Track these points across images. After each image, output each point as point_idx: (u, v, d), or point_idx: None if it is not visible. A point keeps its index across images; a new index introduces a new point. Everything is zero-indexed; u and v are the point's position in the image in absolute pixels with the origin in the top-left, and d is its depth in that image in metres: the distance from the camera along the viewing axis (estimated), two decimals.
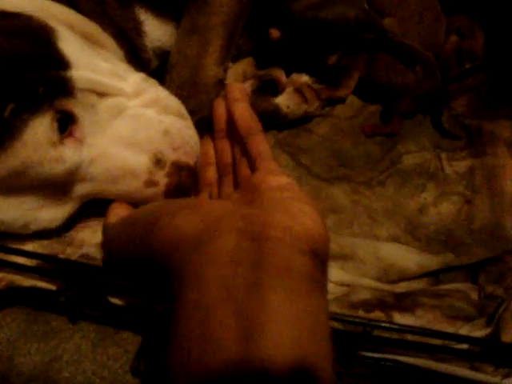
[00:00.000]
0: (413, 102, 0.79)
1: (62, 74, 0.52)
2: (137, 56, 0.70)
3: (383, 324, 0.53)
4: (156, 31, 0.70)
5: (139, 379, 0.60)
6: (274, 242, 0.39)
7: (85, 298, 0.59)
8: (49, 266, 0.56)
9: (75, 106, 0.53)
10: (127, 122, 0.57)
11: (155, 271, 0.44)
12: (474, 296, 0.64)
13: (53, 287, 0.58)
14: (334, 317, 0.53)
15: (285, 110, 0.77)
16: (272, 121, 0.77)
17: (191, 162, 0.61)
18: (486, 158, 0.77)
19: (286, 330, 0.35)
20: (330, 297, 0.60)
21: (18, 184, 0.52)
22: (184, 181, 0.60)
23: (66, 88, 0.52)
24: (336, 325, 0.55)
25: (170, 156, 0.59)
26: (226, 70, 0.75)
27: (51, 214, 0.56)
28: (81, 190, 0.56)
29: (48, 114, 0.50)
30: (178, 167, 0.59)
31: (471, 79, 0.86)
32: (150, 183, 0.58)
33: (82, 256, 0.57)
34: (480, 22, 0.86)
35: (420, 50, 0.80)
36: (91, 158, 0.55)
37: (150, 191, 0.58)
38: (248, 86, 0.79)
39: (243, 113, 0.58)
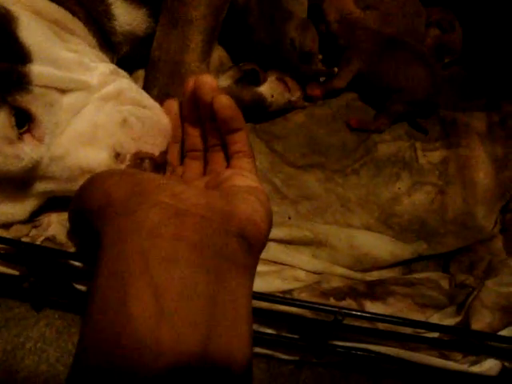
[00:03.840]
0: (408, 106, 0.78)
1: (19, 68, 0.49)
2: (107, 40, 0.68)
3: (354, 312, 0.52)
4: (126, 15, 0.67)
5: None
6: (198, 219, 0.38)
7: (49, 284, 0.57)
8: (11, 249, 0.53)
9: (32, 104, 0.49)
10: (86, 118, 0.55)
11: (91, 234, 0.43)
12: (445, 285, 0.64)
13: (15, 272, 0.56)
14: (304, 305, 0.52)
15: (269, 99, 0.75)
16: (257, 111, 0.76)
17: (155, 151, 0.58)
18: (460, 149, 0.77)
19: (199, 307, 0.35)
20: (300, 284, 0.59)
21: None
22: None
23: (23, 83, 0.49)
24: (306, 313, 0.54)
25: (131, 147, 0.56)
26: (208, 65, 0.73)
27: (12, 208, 0.54)
28: (42, 187, 0.54)
29: (3, 109, 0.47)
30: (140, 159, 0.57)
31: (446, 72, 0.87)
32: None
33: (48, 239, 0.55)
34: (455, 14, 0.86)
35: (428, 56, 0.80)
36: (50, 156, 0.52)
37: None
38: (229, 76, 0.77)
39: (226, 106, 0.52)
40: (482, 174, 0.75)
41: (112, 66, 0.60)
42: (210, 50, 0.72)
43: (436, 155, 0.76)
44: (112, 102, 0.57)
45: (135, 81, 0.74)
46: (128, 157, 0.56)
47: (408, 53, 0.77)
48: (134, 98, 0.59)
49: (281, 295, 0.56)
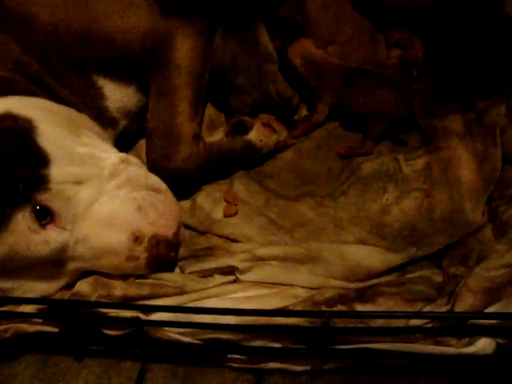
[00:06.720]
0: (387, 126, 0.85)
1: (39, 172, 0.60)
2: (104, 117, 0.79)
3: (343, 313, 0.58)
4: (116, 93, 0.79)
5: None
6: None
7: (83, 334, 0.66)
8: (46, 309, 0.63)
9: (51, 201, 0.60)
10: (104, 206, 0.64)
11: None
12: (438, 279, 0.68)
13: (55, 329, 0.66)
14: (293, 313, 0.58)
15: (258, 144, 0.84)
16: (249, 157, 0.84)
17: (169, 233, 0.67)
18: (441, 152, 0.81)
19: None
20: (296, 300, 0.65)
21: (13, 265, 0.60)
22: (162, 253, 0.67)
23: (42, 184, 0.60)
24: (302, 322, 0.60)
25: (147, 231, 0.66)
26: (200, 124, 0.83)
27: (47, 285, 0.65)
28: (72, 265, 0.65)
29: (27, 207, 0.58)
30: (156, 241, 0.66)
31: (419, 84, 0.93)
32: (131, 258, 0.66)
33: (74, 294, 0.65)
34: (416, 31, 0.93)
35: (393, 78, 0.87)
36: (75, 240, 0.62)
37: (131, 265, 0.66)
38: (220, 131, 0.86)
39: None
40: (466, 170, 0.78)
41: (122, 155, 0.71)
42: (198, 110, 0.82)
43: (419, 162, 0.81)
44: (125, 189, 0.67)
45: (139, 149, 0.86)
46: (146, 239, 0.66)
47: (372, 79, 0.85)
48: (147, 183, 0.69)
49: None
